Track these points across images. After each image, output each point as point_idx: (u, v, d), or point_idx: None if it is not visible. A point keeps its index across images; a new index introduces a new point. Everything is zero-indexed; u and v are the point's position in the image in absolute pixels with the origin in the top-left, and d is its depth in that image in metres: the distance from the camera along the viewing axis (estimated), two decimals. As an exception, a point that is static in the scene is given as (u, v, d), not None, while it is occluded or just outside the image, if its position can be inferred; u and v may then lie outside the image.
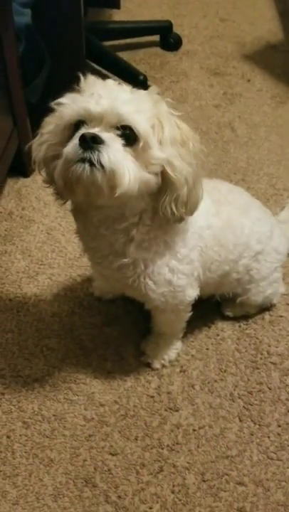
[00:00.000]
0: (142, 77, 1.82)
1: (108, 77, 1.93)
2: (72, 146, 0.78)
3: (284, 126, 1.85)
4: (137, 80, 1.82)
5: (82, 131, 0.79)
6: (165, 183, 0.84)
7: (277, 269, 1.23)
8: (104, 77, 1.93)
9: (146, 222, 0.90)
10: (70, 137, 0.81)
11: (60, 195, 0.89)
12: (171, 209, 0.86)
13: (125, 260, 0.93)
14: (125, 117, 0.79)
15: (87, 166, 0.76)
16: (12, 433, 1.08)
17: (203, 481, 1.04)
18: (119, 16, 2.30)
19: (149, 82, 1.86)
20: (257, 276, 1.18)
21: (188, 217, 0.91)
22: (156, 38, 2.17)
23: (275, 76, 2.06)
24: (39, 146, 0.86)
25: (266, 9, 2.46)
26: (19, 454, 1.05)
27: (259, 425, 1.11)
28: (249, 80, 2.03)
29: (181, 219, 0.89)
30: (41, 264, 1.37)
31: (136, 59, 2.08)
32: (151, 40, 2.17)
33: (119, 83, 0.86)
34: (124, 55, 2.06)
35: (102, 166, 0.76)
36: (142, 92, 0.85)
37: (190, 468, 1.05)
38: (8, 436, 1.07)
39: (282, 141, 1.79)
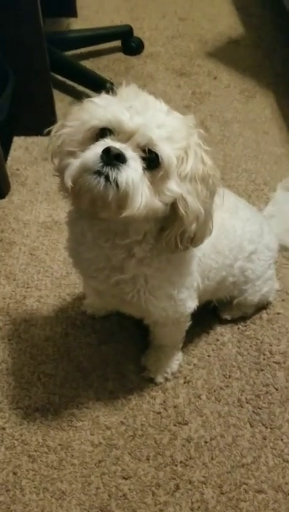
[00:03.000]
0: (109, 85, 1.77)
1: (74, 88, 1.91)
2: (93, 156, 0.74)
3: (256, 120, 1.84)
4: (104, 88, 1.78)
5: (108, 141, 0.75)
6: (174, 215, 0.81)
7: (271, 266, 1.21)
8: (70, 88, 1.91)
9: (150, 241, 0.86)
10: (92, 140, 0.77)
11: (64, 190, 0.85)
12: (176, 241, 0.83)
13: (123, 276, 0.89)
14: (155, 143, 0.76)
15: (102, 180, 0.73)
16: (18, 469, 1.03)
17: (222, 493, 1.01)
18: (77, 24, 2.27)
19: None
20: (252, 276, 1.15)
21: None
22: (117, 43, 2.14)
23: (241, 71, 2.05)
24: (58, 136, 0.82)
25: (223, 5, 2.46)
26: (28, 490, 1.01)
27: (271, 428, 1.09)
28: (216, 77, 2.01)
29: (185, 249, 0.86)
30: (28, 287, 1.32)
31: (100, 66, 2.05)
32: (112, 46, 2.14)
33: (159, 100, 0.81)
34: (88, 64, 2.03)
35: (116, 185, 0.73)
36: (178, 116, 0.82)
37: (207, 482, 1.02)
38: (14, 473, 1.02)
39: (256, 135, 1.78)
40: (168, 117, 0.79)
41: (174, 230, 0.82)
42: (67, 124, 0.82)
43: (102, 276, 0.92)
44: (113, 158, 0.73)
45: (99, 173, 0.74)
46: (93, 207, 0.78)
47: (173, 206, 0.80)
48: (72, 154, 0.79)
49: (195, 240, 0.84)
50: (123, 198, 0.74)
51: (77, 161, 0.76)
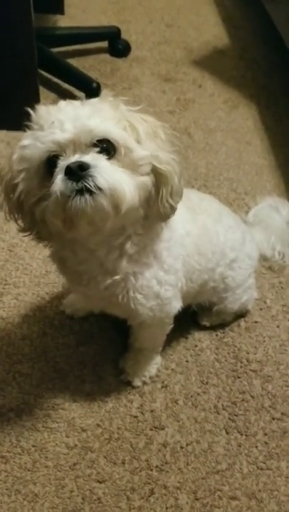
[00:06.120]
0: (95, 85, 1.77)
1: (59, 86, 1.89)
2: (62, 182, 0.72)
3: (239, 130, 1.86)
4: (90, 88, 1.77)
5: (62, 164, 0.74)
6: (157, 179, 0.80)
7: (251, 275, 1.22)
8: (55, 85, 1.89)
9: (139, 231, 0.87)
10: (48, 175, 0.75)
11: (44, 237, 0.84)
12: (169, 203, 0.82)
13: (116, 277, 0.89)
14: (97, 131, 0.75)
15: (88, 196, 0.72)
16: (-10, 470, 1.00)
17: (196, 499, 1.01)
18: (64, 21, 2.25)
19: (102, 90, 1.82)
20: (232, 284, 1.16)
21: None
22: (104, 44, 2.13)
23: (225, 81, 2.07)
24: (25, 188, 0.79)
25: (209, 15, 2.49)
26: (0, 491, 0.98)
27: (246, 436, 1.10)
28: (200, 86, 2.03)
29: (176, 206, 0.85)
30: (5, 284, 1.29)
31: (85, 66, 2.03)
32: (99, 47, 2.13)
33: (67, 100, 0.81)
34: (73, 62, 2.01)
35: (100, 190, 0.72)
36: (95, 100, 0.81)
37: (181, 488, 1.02)
38: (-15, 474, 1.00)
39: (239, 145, 1.80)
40: (89, 106, 0.78)
41: (164, 192, 0.81)
42: (19, 180, 0.79)
43: (93, 283, 0.91)
44: (79, 172, 0.72)
45: (80, 191, 0.72)
46: (93, 225, 0.76)
47: (153, 174, 0.80)
48: (40, 201, 0.77)
49: (181, 191, 0.85)
50: (114, 197, 0.74)
51: (51, 198, 0.74)
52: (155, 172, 0.80)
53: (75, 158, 0.74)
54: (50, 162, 0.75)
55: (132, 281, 0.91)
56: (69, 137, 0.74)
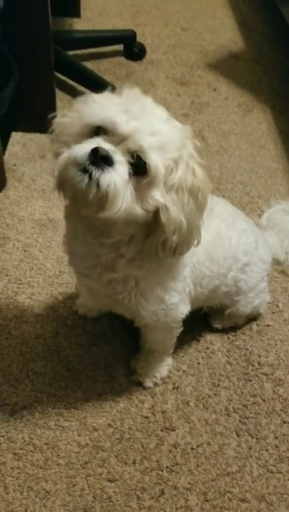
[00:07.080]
0: (110, 88, 1.78)
1: (74, 88, 1.91)
2: (82, 152, 0.74)
3: (253, 134, 1.86)
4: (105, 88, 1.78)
5: (99, 141, 0.75)
6: (156, 222, 0.81)
7: (264, 278, 1.23)
8: (70, 87, 1.91)
9: (138, 244, 0.86)
10: (87, 135, 0.77)
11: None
12: (156, 249, 0.83)
13: (115, 275, 0.89)
14: (144, 151, 0.75)
15: (86, 178, 0.73)
16: (3, 466, 1.01)
17: (206, 500, 1.01)
18: (80, 24, 2.27)
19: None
20: (245, 287, 1.17)
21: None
22: (119, 47, 2.14)
23: (240, 85, 2.08)
24: (59, 124, 0.82)
25: (225, 18, 2.49)
26: (12, 488, 0.99)
27: (256, 438, 1.10)
28: (215, 89, 2.04)
29: (167, 257, 0.86)
30: (20, 284, 1.31)
31: (101, 69, 2.05)
32: (115, 50, 2.15)
33: (160, 107, 0.81)
34: (89, 65, 2.03)
35: (98, 186, 0.73)
36: (176, 126, 0.81)
37: (191, 489, 1.02)
38: (-2, 470, 1.01)
39: (252, 149, 1.80)
40: (164, 125, 0.78)
41: (155, 238, 0.82)
42: (67, 114, 0.82)
43: (94, 274, 0.92)
44: (100, 159, 0.73)
45: (84, 170, 0.74)
46: (75, 201, 0.79)
47: (156, 214, 0.80)
48: (67, 144, 0.79)
49: (177, 251, 0.84)
50: (103, 200, 0.74)
51: (66, 154, 0.76)
52: (158, 217, 0.80)
53: (111, 148, 0.75)
54: (98, 130, 0.77)
55: (133, 283, 0.91)
56: (124, 133, 0.75)
